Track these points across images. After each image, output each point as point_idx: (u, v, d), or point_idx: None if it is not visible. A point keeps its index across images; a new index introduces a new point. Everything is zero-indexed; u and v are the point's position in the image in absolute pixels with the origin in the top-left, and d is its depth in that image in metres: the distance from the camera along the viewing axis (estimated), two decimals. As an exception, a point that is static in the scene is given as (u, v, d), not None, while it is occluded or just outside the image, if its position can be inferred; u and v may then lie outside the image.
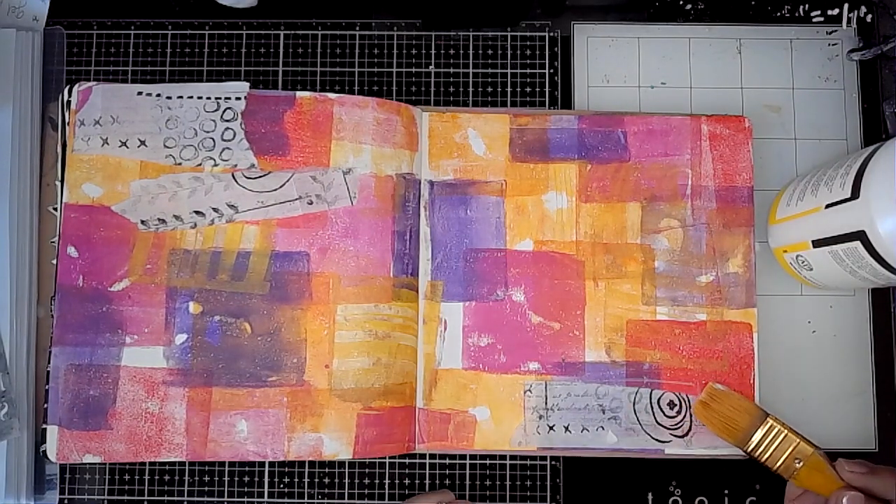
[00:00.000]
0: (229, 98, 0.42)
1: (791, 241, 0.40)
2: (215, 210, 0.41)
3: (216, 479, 0.42)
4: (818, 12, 0.45)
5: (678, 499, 0.42)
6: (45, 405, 0.40)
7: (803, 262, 0.40)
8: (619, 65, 0.45)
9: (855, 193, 0.34)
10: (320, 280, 0.41)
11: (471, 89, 0.45)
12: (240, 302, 0.41)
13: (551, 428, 0.41)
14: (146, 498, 0.42)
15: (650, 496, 0.42)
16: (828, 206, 0.36)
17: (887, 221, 0.33)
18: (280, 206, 0.41)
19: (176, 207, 0.41)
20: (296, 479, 0.43)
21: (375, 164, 0.41)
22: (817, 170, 0.39)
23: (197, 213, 0.41)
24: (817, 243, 0.38)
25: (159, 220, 0.41)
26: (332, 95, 0.42)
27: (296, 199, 0.41)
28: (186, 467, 0.42)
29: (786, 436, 0.38)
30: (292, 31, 0.46)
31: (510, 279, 0.42)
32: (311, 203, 0.41)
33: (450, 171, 0.43)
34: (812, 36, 0.45)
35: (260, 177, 0.41)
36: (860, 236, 0.34)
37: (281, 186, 0.41)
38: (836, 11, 0.45)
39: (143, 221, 0.41)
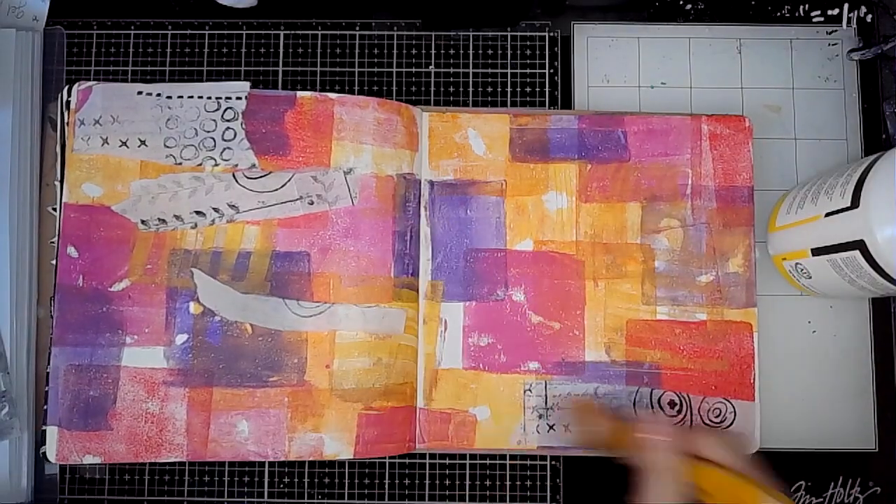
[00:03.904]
0: (230, 98, 0.42)
1: (790, 249, 0.40)
2: (216, 210, 0.41)
3: (216, 479, 0.42)
4: (818, 12, 0.45)
5: (678, 498, 0.42)
6: (45, 406, 0.40)
7: (802, 270, 0.40)
8: (619, 65, 0.45)
9: (855, 203, 0.34)
10: (321, 280, 0.41)
11: (471, 89, 0.45)
12: (240, 302, 0.41)
13: (551, 427, 0.41)
14: (146, 498, 0.42)
15: (650, 496, 0.42)
16: (827, 214, 0.36)
17: (886, 231, 0.33)
18: (281, 206, 0.41)
19: (176, 207, 0.41)
20: (296, 479, 0.43)
21: (376, 164, 0.41)
22: (817, 178, 0.39)
23: (197, 213, 0.41)
24: (816, 252, 0.38)
25: (159, 220, 0.41)
26: (332, 95, 0.42)
27: (297, 199, 0.41)
28: (186, 467, 0.42)
29: None
30: (292, 31, 0.46)
31: (510, 279, 0.42)
32: (311, 203, 0.41)
33: (450, 171, 0.43)
34: (812, 36, 0.45)
35: (261, 177, 0.41)
36: (859, 246, 0.34)
37: (282, 186, 0.41)
38: (836, 11, 0.45)
39: (143, 221, 0.41)
